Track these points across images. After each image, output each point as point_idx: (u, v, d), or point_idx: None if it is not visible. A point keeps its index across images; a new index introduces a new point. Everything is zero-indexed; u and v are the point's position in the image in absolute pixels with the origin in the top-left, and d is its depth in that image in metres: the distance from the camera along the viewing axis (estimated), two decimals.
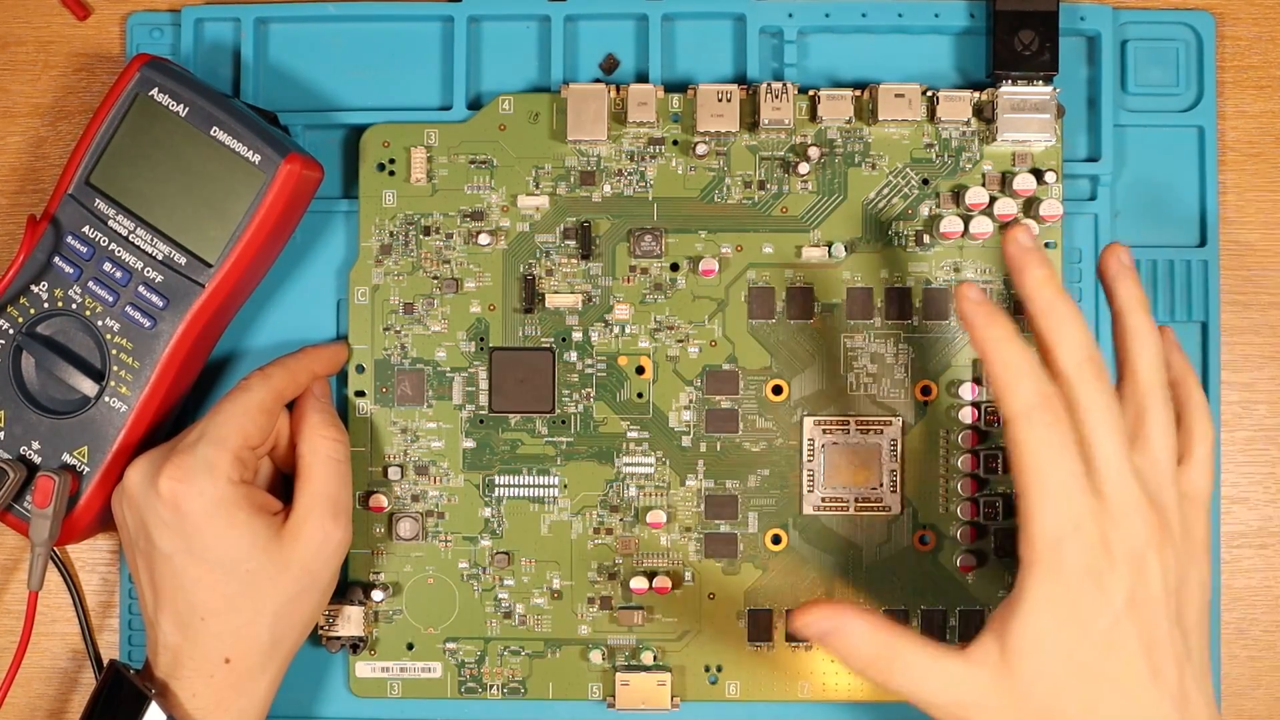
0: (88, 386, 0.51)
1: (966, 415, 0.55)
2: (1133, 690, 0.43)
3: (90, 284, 0.51)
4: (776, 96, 0.54)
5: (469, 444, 0.55)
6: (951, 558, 0.55)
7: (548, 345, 0.55)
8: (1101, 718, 0.43)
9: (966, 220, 0.54)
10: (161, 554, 0.49)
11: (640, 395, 0.55)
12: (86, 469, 0.51)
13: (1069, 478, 0.43)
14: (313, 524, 0.50)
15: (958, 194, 0.55)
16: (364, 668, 0.55)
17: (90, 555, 0.58)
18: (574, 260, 0.55)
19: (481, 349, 0.55)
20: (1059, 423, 0.43)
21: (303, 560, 0.50)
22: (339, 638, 0.54)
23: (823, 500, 0.55)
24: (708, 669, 0.55)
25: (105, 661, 0.56)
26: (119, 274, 0.51)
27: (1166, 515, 0.44)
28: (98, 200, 0.51)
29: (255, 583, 0.49)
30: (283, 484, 0.54)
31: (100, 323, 0.51)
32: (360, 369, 0.55)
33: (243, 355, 0.57)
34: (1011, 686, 0.43)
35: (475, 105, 0.57)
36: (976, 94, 0.55)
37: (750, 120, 0.55)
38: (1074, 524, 0.43)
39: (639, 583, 0.55)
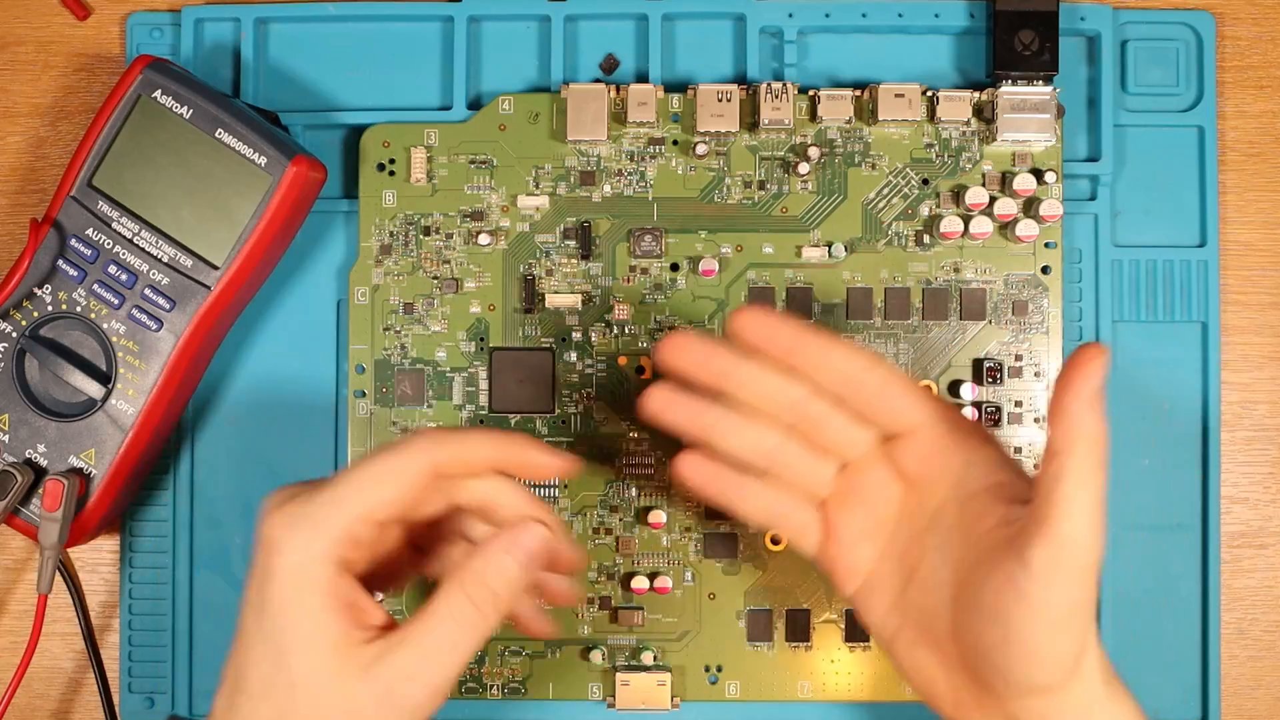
0: (94, 389, 0.51)
1: (967, 415, 0.55)
2: None
3: (95, 287, 0.51)
4: (776, 96, 0.54)
5: None
6: None
7: (548, 345, 0.55)
8: None
9: (966, 220, 0.54)
10: (246, 600, 0.41)
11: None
12: (94, 472, 0.51)
13: None
14: (399, 671, 0.40)
15: (958, 194, 0.55)
16: None
17: (92, 556, 0.58)
18: (574, 260, 0.55)
19: (481, 349, 0.55)
20: None
21: (367, 700, 0.40)
22: None
23: None
24: (708, 669, 0.55)
25: (100, 668, 0.56)
26: (124, 276, 0.51)
27: None
28: (101, 203, 0.51)
29: (305, 692, 0.39)
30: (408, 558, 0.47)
31: (105, 325, 0.51)
32: (360, 369, 0.55)
33: (245, 357, 0.57)
34: None
35: (475, 105, 0.57)
36: (976, 94, 0.55)
37: (750, 120, 0.55)
38: None
39: (639, 583, 0.55)
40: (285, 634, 0.40)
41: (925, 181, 0.55)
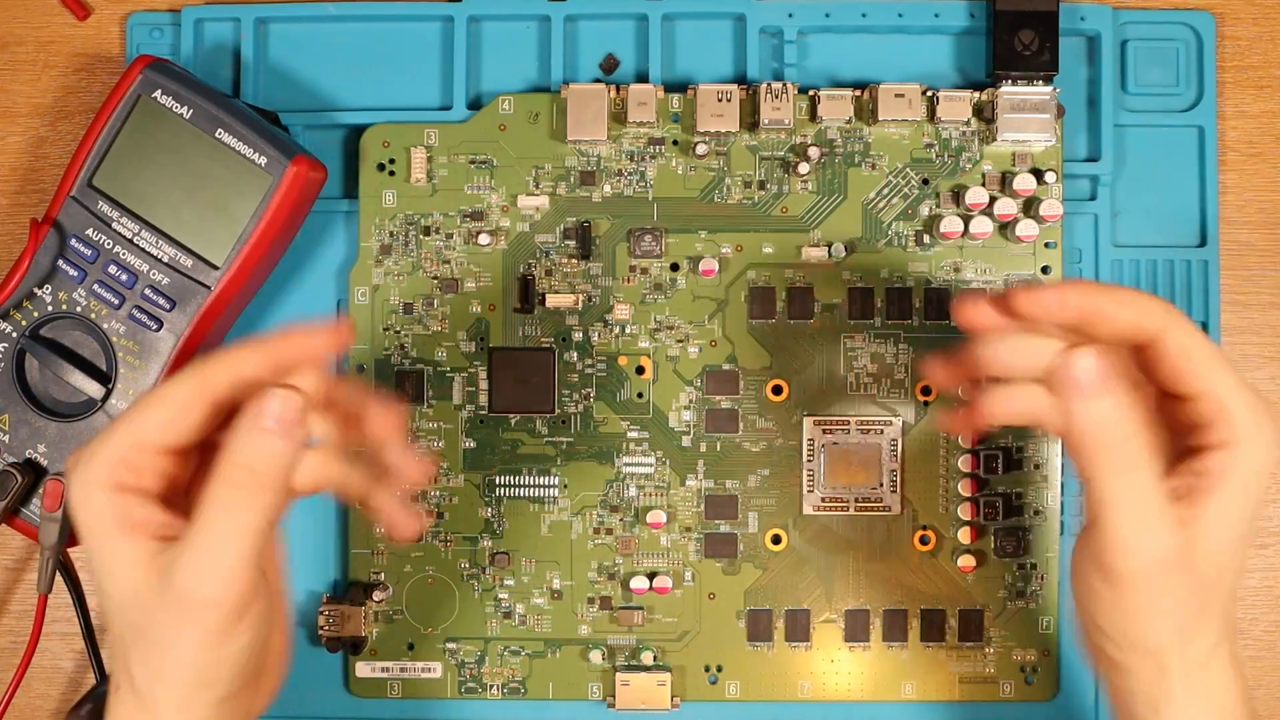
0: (94, 389, 0.51)
1: None
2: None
3: (95, 287, 0.51)
4: (776, 96, 0.54)
5: (469, 444, 0.55)
6: (951, 558, 0.55)
7: (548, 345, 0.55)
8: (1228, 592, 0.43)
9: (966, 220, 0.54)
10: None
11: (640, 395, 0.55)
12: None
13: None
14: (186, 566, 0.40)
15: (958, 194, 0.55)
16: (364, 668, 0.55)
17: None
18: (574, 260, 0.55)
19: (481, 349, 0.55)
20: None
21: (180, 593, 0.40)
22: (339, 638, 0.55)
23: (823, 500, 0.55)
24: (708, 669, 0.55)
25: (99, 666, 0.56)
26: (124, 276, 0.51)
27: None
28: (101, 203, 0.51)
29: (126, 616, 0.41)
30: None
31: (105, 325, 0.51)
32: (360, 369, 0.55)
33: None
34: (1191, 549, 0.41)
35: (475, 105, 0.57)
36: (976, 94, 0.55)
37: (750, 120, 0.55)
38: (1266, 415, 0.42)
39: (639, 583, 0.55)
40: (95, 560, 0.40)
41: (925, 181, 0.55)
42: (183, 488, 0.42)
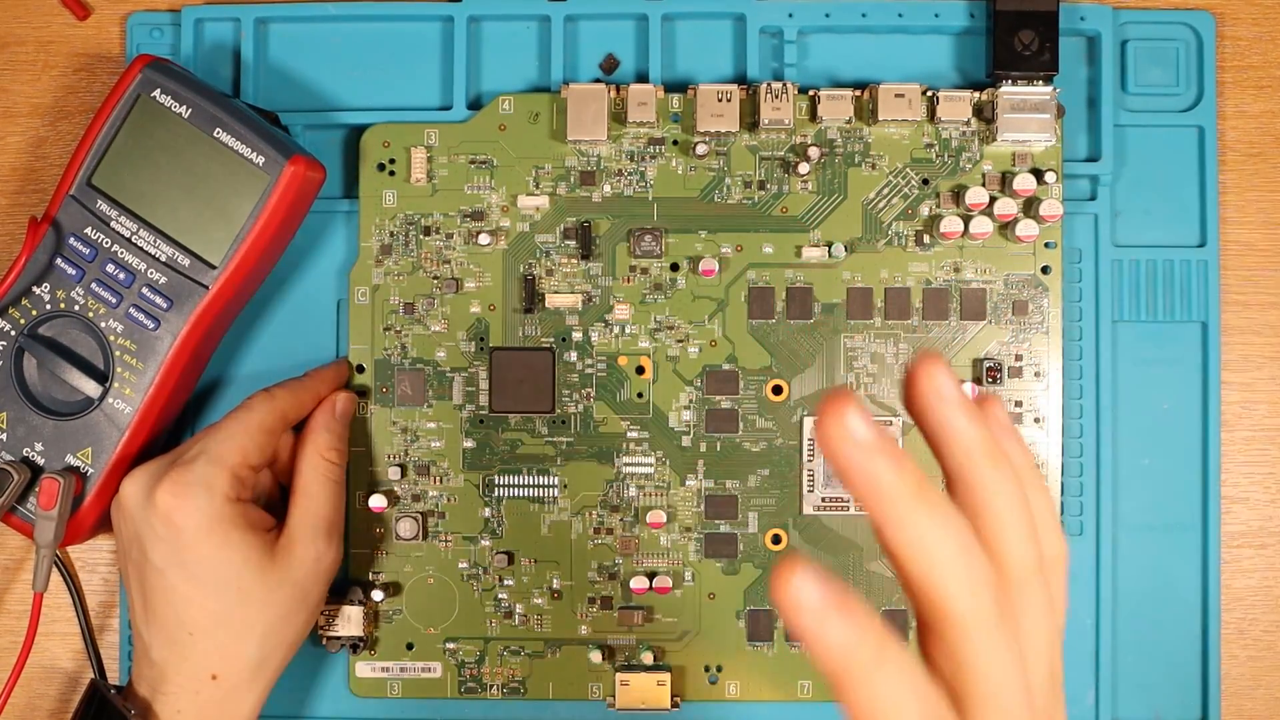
0: (91, 388, 0.51)
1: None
2: None
3: (93, 285, 0.51)
4: (776, 96, 0.54)
5: (469, 444, 0.55)
6: None
7: (548, 345, 0.55)
8: None
9: (966, 220, 0.54)
10: (153, 567, 0.49)
11: (640, 395, 0.55)
12: (91, 470, 0.51)
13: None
14: (305, 543, 0.51)
15: (958, 194, 0.55)
16: (364, 668, 0.55)
17: (90, 555, 0.58)
18: (574, 260, 0.55)
19: (481, 349, 0.55)
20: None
21: (294, 579, 0.50)
22: (339, 638, 0.54)
23: (823, 500, 0.55)
24: (708, 669, 0.55)
25: (99, 666, 0.56)
26: (122, 275, 0.51)
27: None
28: (100, 202, 0.51)
29: (246, 600, 0.49)
30: (280, 495, 0.54)
31: (103, 324, 0.51)
32: (360, 369, 0.55)
33: (244, 357, 0.57)
34: None
35: (475, 105, 0.57)
36: (976, 94, 0.55)
37: (750, 120, 0.55)
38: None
39: (639, 583, 0.55)
40: (219, 564, 0.48)
41: (925, 181, 0.55)
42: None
